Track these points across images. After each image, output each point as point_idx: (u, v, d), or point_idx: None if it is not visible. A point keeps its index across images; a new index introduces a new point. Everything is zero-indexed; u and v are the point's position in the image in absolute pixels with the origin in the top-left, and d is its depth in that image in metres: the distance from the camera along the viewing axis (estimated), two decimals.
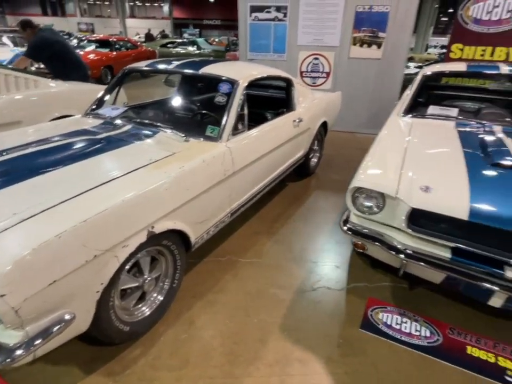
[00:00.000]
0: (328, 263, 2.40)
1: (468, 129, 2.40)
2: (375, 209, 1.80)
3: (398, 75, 5.03)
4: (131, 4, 36.94)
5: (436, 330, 1.86)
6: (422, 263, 1.66)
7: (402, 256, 1.69)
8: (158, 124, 2.24)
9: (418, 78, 2.98)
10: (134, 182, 1.54)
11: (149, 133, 2.13)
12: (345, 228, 1.89)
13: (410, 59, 10.87)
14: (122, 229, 1.39)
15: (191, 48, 13.41)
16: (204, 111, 2.44)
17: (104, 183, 1.49)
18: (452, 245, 1.62)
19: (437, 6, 22.52)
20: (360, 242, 1.89)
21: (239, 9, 5.20)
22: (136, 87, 6.61)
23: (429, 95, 3.48)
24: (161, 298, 1.81)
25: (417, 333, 1.84)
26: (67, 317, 1.26)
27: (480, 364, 1.69)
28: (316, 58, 5.24)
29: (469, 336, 1.83)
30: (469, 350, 1.76)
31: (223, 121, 2.15)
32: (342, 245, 2.59)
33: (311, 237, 2.69)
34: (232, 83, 2.30)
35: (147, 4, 38.30)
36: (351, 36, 4.99)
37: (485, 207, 1.50)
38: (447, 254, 1.64)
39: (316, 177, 3.84)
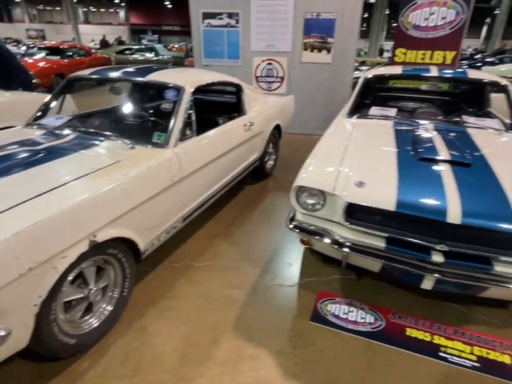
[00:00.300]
0: (282, 261, 2.48)
1: (403, 127, 2.59)
2: (318, 206, 1.90)
3: (347, 78, 5.28)
4: (85, 9, 35.72)
5: (380, 316, 1.99)
6: (360, 254, 1.78)
7: (342, 248, 1.79)
8: (104, 133, 2.22)
9: (360, 81, 3.17)
10: (73, 192, 1.53)
11: (93, 141, 2.11)
12: (291, 226, 1.98)
13: (363, 63, 11.39)
14: (60, 240, 1.37)
15: (149, 55, 13.20)
16: (151, 118, 2.45)
17: (41, 194, 1.46)
18: (386, 235, 1.75)
19: (386, 12, 23.79)
20: (306, 239, 1.98)
21: (191, 16, 5.23)
22: (94, 95, 6.42)
23: (375, 96, 3.70)
24: (111, 308, 1.79)
25: (363, 320, 1.95)
26: (2, 333, 1.22)
27: (418, 343, 1.82)
28: (270, 64, 5.38)
29: (408, 319, 1.97)
30: (408, 331, 1.89)
31: (170, 128, 2.17)
32: (295, 243, 2.68)
33: (267, 237, 2.76)
34: (178, 89, 2.32)
35: (102, 10, 37.21)
36: (302, 42, 5.18)
37: (410, 198, 1.64)
38: (382, 244, 1.76)
39: (273, 179, 3.93)
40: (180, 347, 1.76)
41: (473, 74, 3.00)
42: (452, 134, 2.40)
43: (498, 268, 1.60)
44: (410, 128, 2.55)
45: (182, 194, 2.22)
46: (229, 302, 2.07)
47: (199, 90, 2.50)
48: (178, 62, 12.95)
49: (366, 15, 27.12)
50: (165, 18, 33.98)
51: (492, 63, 13.69)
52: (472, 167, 1.87)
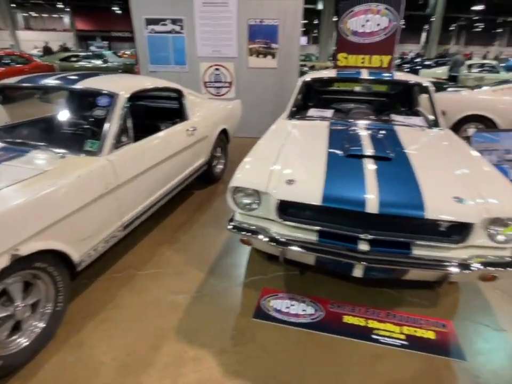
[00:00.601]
0: (228, 263, 2.51)
1: (338, 127, 2.73)
2: (254, 205, 1.95)
3: (292, 82, 5.42)
4: (25, 14, 33.60)
5: (319, 307, 2.08)
6: (294, 248, 1.85)
7: (277, 245, 1.86)
8: (33, 143, 2.13)
9: (298, 84, 3.30)
10: None
11: (20, 152, 2.01)
12: (229, 227, 2.01)
13: (312, 67, 11.82)
14: None
15: (97, 62, 12.73)
16: (84, 126, 2.38)
17: None
18: (317, 228, 1.84)
19: (334, 19, 24.88)
20: (245, 238, 2.02)
21: (134, 22, 5.15)
22: (29, 105, 6.06)
23: (317, 98, 3.87)
24: (43, 325, 1.71)
25: (303, 312, 2.03)
26: None
27: (354, 329, 1.93)
28: (217, 69, 5.43)
29: (346, 307, 2.08)
30: (345, 319, 2.00)
31: (103, 135, 2.13)
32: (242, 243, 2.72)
33: (214, 240, 2.78)
34: (112, 96, 2.28)
35: (44, 15, 35.20)
36: (247, 47, 5.29)
37: (334, 192, 1.75)
38: (314, 237, 1.85)
39: (223, 183, 3.96)
40: (119, 357, 1.72)
41: (399, 76, 3.24)
42: (380, 132, 2.58)
43: (416, 252, 1.75)
44: (344, 127, 2.71)
45: (121, 202, 2.18)
46: (173, 307, 2.06)
47: (138, 96, 2.48)
48: (129, 69, 12.60)
49: (316, 22, 28.23)
50: (115, 24, 32.94)
51: (430, 66, 14.81)
52: (393, 161, 2.03)
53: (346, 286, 2.26)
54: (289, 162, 2.08)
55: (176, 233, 2.88)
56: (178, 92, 3.10)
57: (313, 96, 3.85)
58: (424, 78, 11.41)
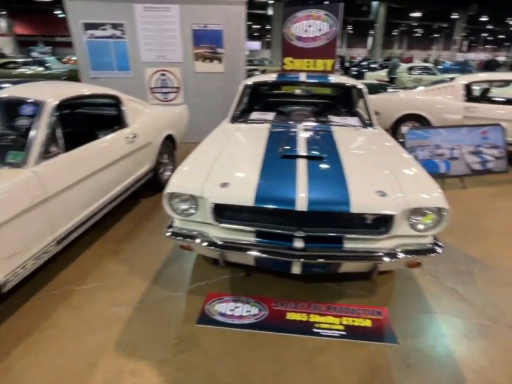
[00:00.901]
0: (174, 270, 2.47)
1: (278, 129, 2.80)
2: (191, 210, 1.95)
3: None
4: None
5: (264, 306, 2.11)
6: (233, 251, 1.87)
7: (215, 248, 1.87)
8: None
9: (240, 88, 3.34)
10: None
11: None
12: (168, 234, 1.99)
13: (264, 71, 12.02)
14: None
15: (39, 69, 11.98)
16: (9, 137, 2.23)
17: None
18: (254, 229, 1.87)
19: None
20: (185, 244, 2.01)
21: (71, 27, 4.92)
22: None
23: (263, 102, 3.94)
24: None
25: (248, 313, 2.05)
26: None
27: (296, 325, 1.98)
28: (163, 74, 5.34)
29: (289, 304, 2.13)
30: (288, 315, 2.05)
31: (28, 146, 2.01)
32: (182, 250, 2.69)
33: (160, 248, 2.72)
34: (38, 104, 2.17)
35: None
36: (193, 52, 5.27)
37: (266, 193, 1.79)
38: (252, 238, 1.88)
39: None
40: (52, 379, 1.63)
41: (334, 79, 3.40)
42: (317, 133, 2.69)
43: (348, 245, 1.84)
44: (284, 129, 2.78)
45: (52, 215, 2.07)
46: (113, 320, 1.99)
47: (73, 104, 2.37)
48: (74, 76, 11.99)
49: (268, 27, 28.75)
50: (59, 28, 31.12)
51: (375, 69, 15.67)
52: (325, 160, 2.12)
53: (291, 283, 2.32)
54: (226, 166, 2.09)
55: (121, 244, 2.78)
56: (116, 99, 3.01)
57: (258, 100, 3.92)
58: (369, 79, 12.02)
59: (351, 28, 40.36)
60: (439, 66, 17.77)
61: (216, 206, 1.83)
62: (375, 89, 7.72)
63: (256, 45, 46.42)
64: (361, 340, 1.89)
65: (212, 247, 1.88)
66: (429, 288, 2.33)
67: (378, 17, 22.21)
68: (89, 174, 2.39)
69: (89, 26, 4.95)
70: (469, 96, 5.12)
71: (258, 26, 38.81)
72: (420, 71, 12.67)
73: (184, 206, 1.95)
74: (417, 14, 29.21)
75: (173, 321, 2.00)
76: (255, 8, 27.12)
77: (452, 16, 27.15)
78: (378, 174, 2.00)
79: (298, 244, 1.83)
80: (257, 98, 3.82)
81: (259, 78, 3.56)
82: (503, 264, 2.62)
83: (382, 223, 1.81)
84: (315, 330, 1.95)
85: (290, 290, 2.26)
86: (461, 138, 4.09)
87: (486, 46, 50.07)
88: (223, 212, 1.88)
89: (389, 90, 6.81)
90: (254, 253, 1.86)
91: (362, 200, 1.75)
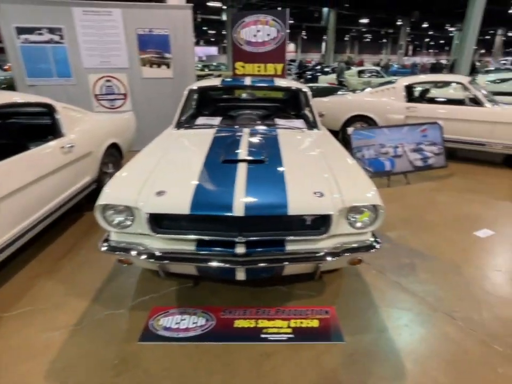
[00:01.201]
0: (117, 285, 2.34)
1: (223, 134, 2.77)
2: (128, 222, 1.85)
3: None
4: None
5: (211, 316, 2.05)
6: (173, 262, 1.80)
7: (154, 260, 1.79)
8: None
9: (185, 93, 3.28)
10: None
11: None
12: (103, 248, 1.87)
13: (219, 76, 11.99)
14: None
15: None
16: None
17: None
18: (193, 237, 1.81)
19: None
20: (122, 258, 1.90)
21: (2, 31, 4.57)
22: None
23: (211, 107, 3.88)
24: None
25: (194, 325, 1.98)
26: None
27: (244, 332, 1.95)
28: (108, 81, 5.13)
29: (237, 311, 2.09)
30: (236, 323, 2.01)
31: None
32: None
33: (101, 265, 2.56)
34: None
35: None
36: (139, 57, 5.11)
37: (202, 199, 1.74)
38: (192, 247, 1.82)
39: None
40: None
41: (279, 83, 3.43)
42: (262, 136, 2.69)
43: (290, 247, 1.84)
44: (229, 134, 2.75)
45: None
46: (46, 346, 1.83)
47: None
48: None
49: (224, 32, 28.81)
50: None
51: (327, 73, 16.22)
52: (265, 164, 2.11)
53: (241, 289, 2.28)
54: (164, 173, 2.02)
55: (60, 261, 2.60)
56: (49, 107, 2.81)
57: (205, 105, 3.86)
58: (321, 83, 12.38)
59: (305, 34, 41.60)
60: (390, 69, 18.86)
61: (151, 216, 1.75)
62: (329, 92, 7.99)
63: (213, 50, 46.42)
64: (309, 341, 1.89)
65: (150, 260, 1.79)
66: (374, 283, 2.40)
67: (329, 23, 23.06)
68: (18, 188, 2.20)
69: (23, 30, 4.63)
70: (410, 97, 5.43)
71: (214, 32, 38.81)
72: (370, 74, 13.29)
73: (119, 218, 1.85)
74: (365, 20, 30.70)
75: (113, 341, 1.87)
76: (210, 14, 27.11)
77: (397, 23, 28.85)
78: (317, 175, 2.02)
79: (240, 249, 1.79)
80: (204, 103, 3.76)
81: (204, 82, 3.51)
82: (442, 254, 2.77)
83: (321, 223, 1.83)
84: (263, 336, 1.92)
85: (240, 297, 2.22)
86: (403, 137, 4.31)
87: (430, 50, 53.83)
88: (160, 222, 1.81)
89: (339, 93, 7.04)
90: (195, 263, 1.80)
91: (300, 202, 1.76)
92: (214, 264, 1.79)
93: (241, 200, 1.71)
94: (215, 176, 1.96)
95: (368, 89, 6.00)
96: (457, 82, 5.28)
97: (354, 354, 1.80)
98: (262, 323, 2.01)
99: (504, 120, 4.63)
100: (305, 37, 43.21)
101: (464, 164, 5.19)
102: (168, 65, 5.25)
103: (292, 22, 30.58)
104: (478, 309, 2.16)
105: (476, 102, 4.85)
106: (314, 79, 15.21)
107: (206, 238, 1.80)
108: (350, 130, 4.00)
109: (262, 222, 1.80)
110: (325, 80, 13.34)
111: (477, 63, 23.10)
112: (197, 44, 41.33)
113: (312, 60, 33.23)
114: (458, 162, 5.18)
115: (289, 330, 1.96)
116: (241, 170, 1.99)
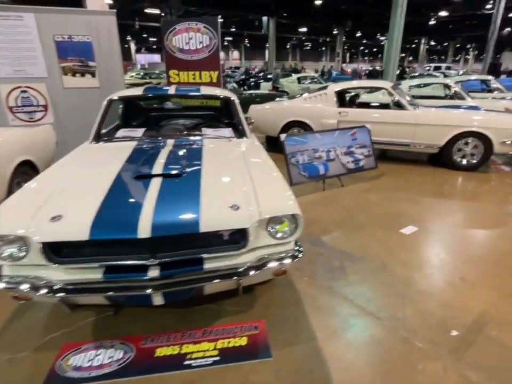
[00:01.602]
0: (20, 325, 2.05)
1: (143, 147, 2.60)
2: (22, 253, 1.61)
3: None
4: None
5: (130, 347, 1.87)
6: (77, 294, 1.61)
7: (52, 294, 1.58)
8: None
9: (104, 103, 3.06)
10: None
11: None
12: None
13: (158, 84, 11.64)
14: None
15: None
16: None
17: None
18: (99, 264, 1.64)
19: None
20: (18, 294, 1.66)
21: None
22: None
23: (137, 118, 3.67)
24: None
25: (110, 360, 1.79)
26: None
27: (166, 361, 1.80)
28: (25, 91, 4.66)
29: (160, 338, 1.93)
30: (158, 352, 1.85)
31: None
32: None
33: (2, 302, 2.25)
34: None
35: None
36: (59, 66, 4.72)
37: (104, 223, 1.58)
38: (99, 275, 1.64)
39: None
40: None
41: (205, 91, 3.34)
42: (185, 147, 2.56)
43: (208, 265, 1.73)
44: (150, 146, 2.59)
45: None
46: None
47: None
48: None
49: None
50: None
51: (270, 79, 16.54)
52: (182, 178, 1.99)
53: (166, 312, 2.13)
54: (66, 194, 1.81)
55: None
56: None
57: (129, 116, 3.65)
58: (263, 89, 12.56)
59: (248, 42, 42.29)
60: (333, 76, 19.83)
61: (47, 245, 1.55)
62: (270, 98, 8.09)
63: (156, 57, 45.31)
64: (235, 362, 1.80)
65: (49, 294, 1.58)
66: (306, 290, 2.38)
67: (269, 31, 23.63)
68: None
69: None
70: (341, 102, 5.65)
71: (155, 39, 37.93)
72: (310, 81, 13.77)
73: (11, 249, 1.61)
74: (304, 29, 31.98)
75: None
76: (149, 21, 26.42)
77: (334, 32, 30.43)
78: (236, 188, 1.94)
79: (154, 273, 1.65)
80: (130, 114, 3.56)
81: (126, 92, 3.31)
82: (371, 254, 2.85)
83: (240, 237, 1.75)
84: (186, 362, 1.79)
85: (164, 321, 2.07)
86: (334, 141, 4.45)
87: (365, 58, 57.62)
88: (60, 250, 1.61)
89: (276, 99, 7.15)
90: (104, 293, 1.62)
91: (213, 218, 1.67)
92: (125, 292, 1.63)
93: (148, 219, 1.58)
94: (123, 194, 1.80)
95: (304, 95, 6.15)
96: (382, 88, 5.60)
97: (281, 371, 1.74)
98: (187, 348, 1.87)
99: (424, 122, 4.99)
100: (248, 45, 43.93)
101: (393, 164, 5.51)
102: (93, 74, 4.91)
103: (233, 30, 30.91)
104: (402, 306, 2.23)
105: (399, 105, 5.18)
106: (257, 86, 15.41)
107: (114, 263, 1.63)
108: (282, 136, 4.03)
109: (174, 242, 1.68)
110: (266, 87, 13.57)
111: (407, 69, 25.20)
112: (139, 51, 40.06)
113: (256, 67, 33.83)
114: (388, 163, 5.49)
115: (215, 352, 1.85)
116: (154, 186, 1.85)
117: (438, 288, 2.42)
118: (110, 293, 1.63)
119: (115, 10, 4.85)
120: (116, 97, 3.15)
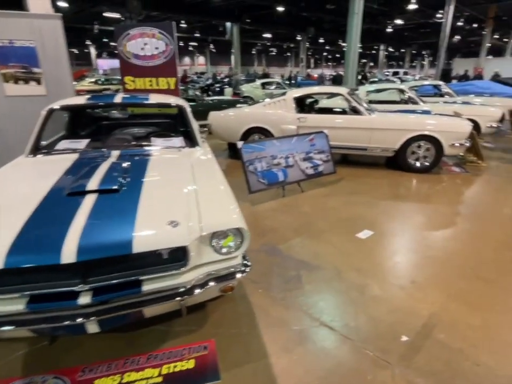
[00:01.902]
0: None
1: (84, 159, 2.44)
2: None
3: None
4: None
5: (65, 381, 1.71)
6: None
7: None
8: None
9: (43, 113, 2.86)
10: None
11: None
12: None
13: (117, 90, 11.27)
14: None
15: None
16: None
17: None
18: (20, 294, 1.48)
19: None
20: None
21: None
22: None
23: (82, 128, 3.46)
24: None
25: None
26: None
27: None
28: None
29: (100, 368, 1.79)
30: None
31: None
32: None
33: None
34: None
35: None
36: None
37: (24, 247, 1.43)
38: (21, 306, 1.48)
39: None
40: None
41: (155, 99, 3.21)
42: (131, 159, 2.43)
43: (147, 287, 1.62)
44: (91, 159, 2.43)
45: None
46: None
47: None
48: None
49: None
50: None
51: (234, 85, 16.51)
52: (120, 193, 1.87)
53: (108, 338, 1.98)
54: None
55: None
56: None
57: (77, 126, 3.44)
58: (227, 95, 12.50)
59: (213, 47, 42.15)
60: (297, 81, 20.14)
61: None
62: (233, 104, 8.04)
63: (118, 63, 44.03)
64: None
65: None
66: (259, 304, 2.32)
67: (233, 37, 23.65)
68: None
69: None
70: (299, 108, 5.70)
71: (116, 44, 36.78)
72: (275, 86, 13.85)
73: None
74: (268, 35, 32.36)
75: None
76: (110, 25, 25.63)
77: (297, 38, 31.03)
78: (178, 202, 1.85)
79: (85, 299, 1.52)
80: (75, 124, 3.35)
81: (68, 101, 3.12)
82: (326, 261, 2.84)
83: (182, 255, 1.66)
84: None
85: (107, 347, 1.92)
86: (293, 147, 4.45)
87: (329, 63, 59.29)
88: None
89: (237, 105, 7.11)
90: (27, 326, 1.47)
91: (148, 237, 1.56)
92: (52, 323, 1.48)
93: (74, 242, 1.45)
94: (51, 214, 1.65)
95: (266, 101, 6.13)
96: (338, 94, 5.71)
97: None
98: (129, 377, 1.74)
99: (379, 127, 5.13)
100: (214, 50, 43.79)
101: (352, 168, 5.61)
102: (38, 81, 4.61)
103: (197, 35, 30.66)
104: (355, 315, 2.22)
105: (355, 111, 5.29)
106: (221, 91, 15.34)
107: (38, 292, 1.48)
108: (239, 144, 3.97)
109: (107, 264, 1.55)
110: (230, 92, 13.52)
111: (368, 74, 26.17)
112: (100, 56, 38.74)
113: (222, 73, 33.77)
114: (348, 167, 5.59)
115: (159, 379, 1.73)
116: (87, 204, 1.72)
117: (390, 293, 2.44)
118: (35, 326, 1.47)
119: (60, 14, 4.59)
120: (57, 107, 2.96)
